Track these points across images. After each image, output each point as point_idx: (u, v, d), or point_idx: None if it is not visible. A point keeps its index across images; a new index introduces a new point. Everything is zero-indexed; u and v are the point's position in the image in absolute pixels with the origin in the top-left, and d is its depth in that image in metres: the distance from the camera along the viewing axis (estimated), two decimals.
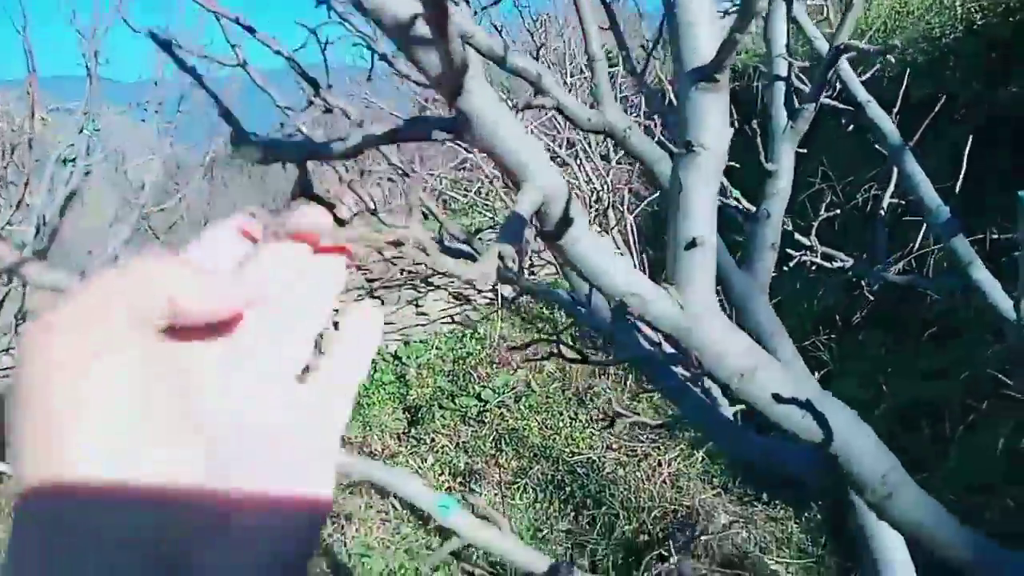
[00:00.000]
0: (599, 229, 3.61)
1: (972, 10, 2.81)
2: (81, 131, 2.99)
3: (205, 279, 0.24)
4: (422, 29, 0.45)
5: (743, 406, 1.66)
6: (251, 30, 1.22)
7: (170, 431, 0.22)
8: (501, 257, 0.51)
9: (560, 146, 3.58)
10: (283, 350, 0.28)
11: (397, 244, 0.38)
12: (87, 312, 0.21)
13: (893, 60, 2.76)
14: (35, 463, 0.20)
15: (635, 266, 3.35)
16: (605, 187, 3.45)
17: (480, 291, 4.11)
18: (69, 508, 0.19)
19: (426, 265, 0.46)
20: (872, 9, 3.56)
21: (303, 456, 0.26)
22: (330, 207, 0.45)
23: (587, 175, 3.58)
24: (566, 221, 0.56)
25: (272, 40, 1.22)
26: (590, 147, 3.60)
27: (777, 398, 0.66)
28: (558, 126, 3.93)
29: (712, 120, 0.60)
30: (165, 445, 0.21)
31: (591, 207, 3.56)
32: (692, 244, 0.61)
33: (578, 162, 3.57)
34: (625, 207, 3.47)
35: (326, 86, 1.36)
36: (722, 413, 1.55)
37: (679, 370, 1.58)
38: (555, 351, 1.47)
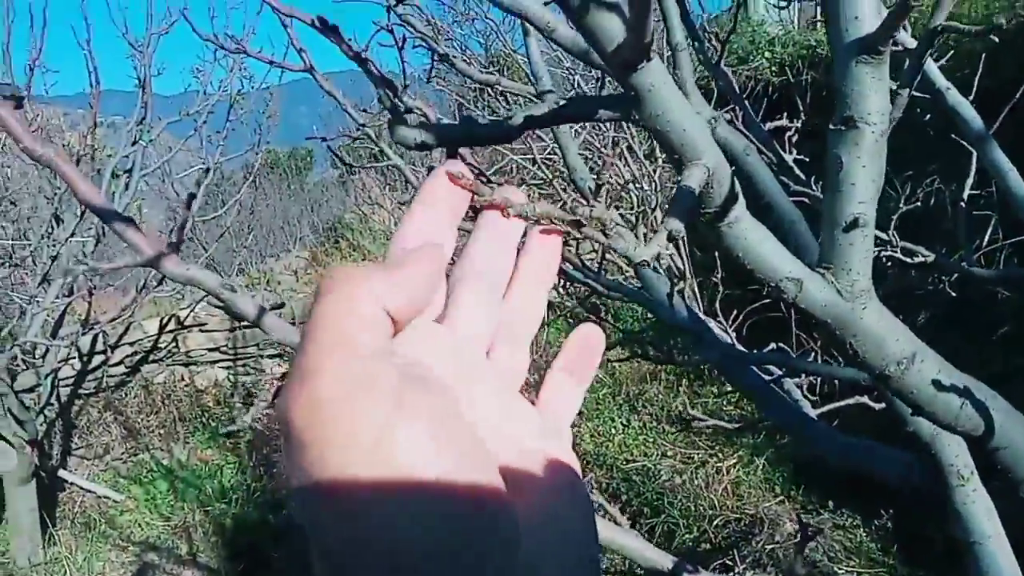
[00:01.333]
0: (646, 231, 3.55)
1: None
2: (135, 142, 3.04)
3: (404, 273, 0.24)
4: None
5: (826, 408, 1.60)
6: (336, 30, 1.22)
7: (448, 433, 0.22)
8: (671, 236, 0.48)
9: (605, 145, 3.54)
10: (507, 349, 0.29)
11: (578, 224, 0.36)
12: (332, 357, 0.21)
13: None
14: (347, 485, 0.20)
15: (686, 270, 3.26)
16: (653, 187, 3.40)
17: None
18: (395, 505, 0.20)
19: (603, 244, 0.44)
20: None
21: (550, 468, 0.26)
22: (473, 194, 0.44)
23: (633, 175, 3.54)
24: (730, 200, 0.54)
25: (349, 43, 1.22)
26: (635, 143, 3.55)
27: (938, 385, 0.62)
28: (602, 124, 3.90)
29: (875, 95, 0.57)
30: (453, 446, 0.21)
31: (637, 209, 3.52)
32: (853, 224, 0.57)
33: (623, 161, 3.53)
34: None
35: (403, 87, 1.35)
36: (807, 413, 1.50)
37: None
38: (635, 352, 1.44)
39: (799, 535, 2.35)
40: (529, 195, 0.36)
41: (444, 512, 0.20)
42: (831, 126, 0.58)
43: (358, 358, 0.21)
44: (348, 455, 0.19)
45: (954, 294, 2.09)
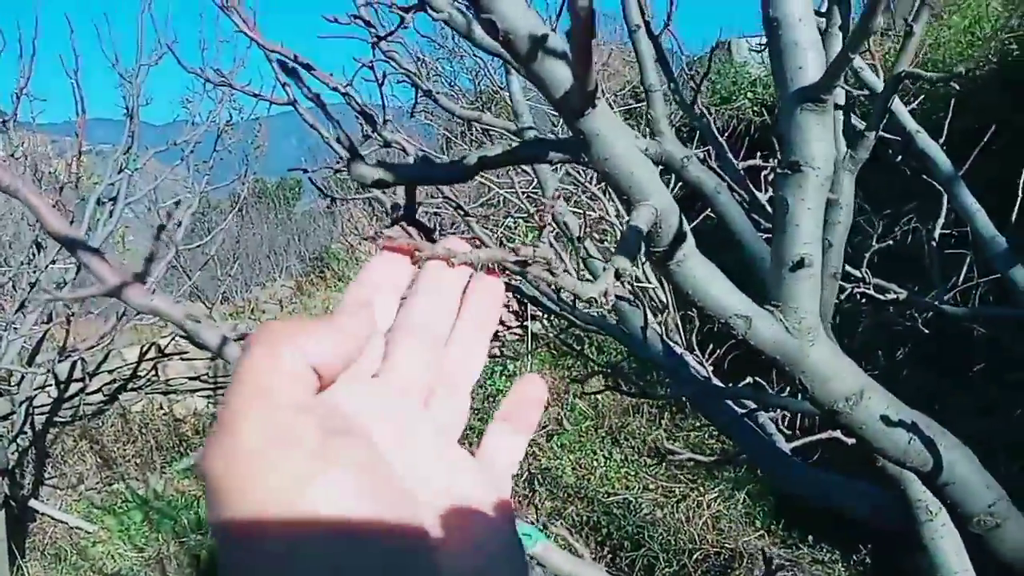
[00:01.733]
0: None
1: (1007, 41, 2.82)
2: (121, 170, 3.05)
3: (331, 329, 0.25)
4: (554, 48, 0.45)
5: (800, 442, 1.62)
6: (309, 67, 1.24)
7: (369, 483, 0.22)
8: (618, 274, 0.50)
9: (590, 181, 3.58)
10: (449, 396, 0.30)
11: (524, 264, 0.37)
12: (253, 409, 0.21)
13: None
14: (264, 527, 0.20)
15: (669, 303, 3.28)
16: None
17: (508, 327, 4.09)
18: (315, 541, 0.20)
19: (550, 282, 0.45)
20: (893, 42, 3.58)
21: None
22: (429, 232, 0.45)
23: (617, 209, 3.58)
24: (678, 239, 0.55)
25: (328, 77, 1.24)
26: None
27: (886, 421, 0.63)
28: None
29: (819, 140, 0.59)
30: (374, 495, 0.22)
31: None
32: (799, 264, 0.59)
33: (608, 196, 3.57)
34: None
35: (382, 122, 1.38)
36: (780, 448, 1.51)
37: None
38: (611, 384, 1.45)
39: (764, 570, 2.34)
40: (475, 240, 0.37)
41: (361, 558, 0.20)
42: (777, 170, 0.61)
43: (278, 411, 0.21)
44: (264, 503, 0.20)
45: (927, 331, 2.13)
